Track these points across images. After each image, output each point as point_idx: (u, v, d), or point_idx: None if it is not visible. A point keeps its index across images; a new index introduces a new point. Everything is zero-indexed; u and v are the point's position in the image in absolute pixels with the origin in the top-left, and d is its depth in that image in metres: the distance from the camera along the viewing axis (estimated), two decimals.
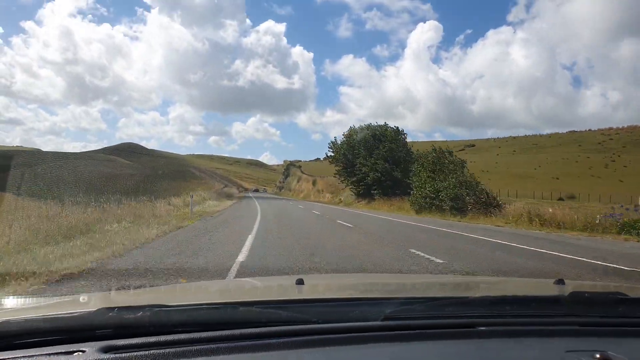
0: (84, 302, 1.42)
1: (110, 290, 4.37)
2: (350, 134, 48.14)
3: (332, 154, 50.23)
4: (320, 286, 2.10)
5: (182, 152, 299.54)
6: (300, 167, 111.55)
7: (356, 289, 2.06)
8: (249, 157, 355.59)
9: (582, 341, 1.18)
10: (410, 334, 1.15)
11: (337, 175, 50.49)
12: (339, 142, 49.65)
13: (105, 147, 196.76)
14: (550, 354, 1.13)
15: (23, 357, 0.98)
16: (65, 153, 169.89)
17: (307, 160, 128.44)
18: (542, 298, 1.51)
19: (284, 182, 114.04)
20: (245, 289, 2.13)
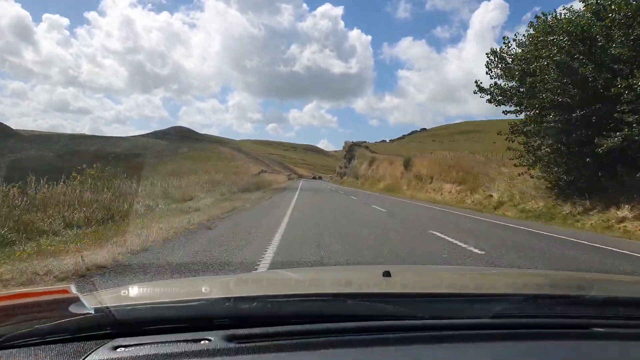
0: (206, 292, 1.36)
1: (227, 276, 4.11)
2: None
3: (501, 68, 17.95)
4: (410, 280, 1.94)
5: (239, 138, 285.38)
6: (367, 147, 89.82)
7: (454, 284, 1.88)
8: (306, 143, 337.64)
9: None
10: (521, 333, 1.11)
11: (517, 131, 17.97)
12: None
13: (156, 131, 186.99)
14: None
15: (152, 343, 1.01)
16: (109, 137, 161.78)
17: (372, 142, 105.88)
18: None
19: (346, 167, 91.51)
20: (341, 279, 1.97)
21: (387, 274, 1.58)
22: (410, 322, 1.11)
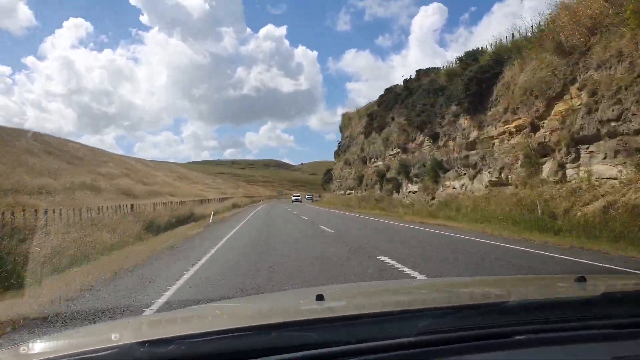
0: (116, 339, 1.26)
1: (138, 317, 3.99)
2: None
3: None
4: (343, 300, 1.96)
5: (185, 161, 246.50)
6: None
7: (382, 301, 1.98)
8: (266, 158, 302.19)
9: (626, 346, 1.17)
10: (446, 349, 1.12)
11: None
12: None
13: None
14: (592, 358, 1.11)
15: None
16: None
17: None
18: (573, 300, 1.47)
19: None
20: (267, 308, 1.96)
21: (320, 297, 1.57)
22: (336, 349, 1.10)
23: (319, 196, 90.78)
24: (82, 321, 4.88)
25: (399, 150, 32.93)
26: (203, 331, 1.25)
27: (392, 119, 38.08)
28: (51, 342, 1.42)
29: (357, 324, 1.24)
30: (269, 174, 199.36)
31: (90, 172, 30.91)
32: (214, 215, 28.10)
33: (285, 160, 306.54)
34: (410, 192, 29.31)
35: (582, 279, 1.69)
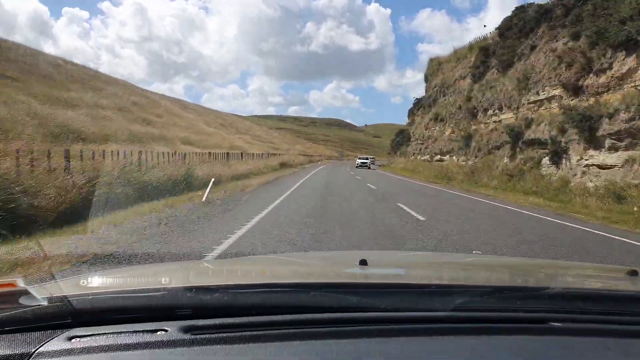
0: (166, 282, 1.33)
1: (188, 263, 4.00)
2: None
3: None
4: (385, 268, 2.01)
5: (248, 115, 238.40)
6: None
7: (423, 273, 1.94)
8: (328, 117, 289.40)
9: None
10: (479, 327, 1.11)
11: None
12: None
13: None
14: (633, 356, 1.08)
15: (107, 333, 1.01)
16: None
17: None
18: (620, 295, 1.42)
19: None
20: (313, 266, 2.04)
21: (364, 262, 1.59)
22: (372, 314, 1.11)
23: (388, 161, 73.69)
24: None
25: (559, 92, 19.04)
26: (247, 283, 1.35)
27: (532, 47, 23.84)
28: (108, 278, 1.51)
29: (395, 293, 1.26)
30: (331, 133, 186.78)
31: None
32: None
33: (348, 120, 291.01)
34: (593, 164, 15.62)
35: (634, 273, 1.58)
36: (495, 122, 25.41)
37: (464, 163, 27.98)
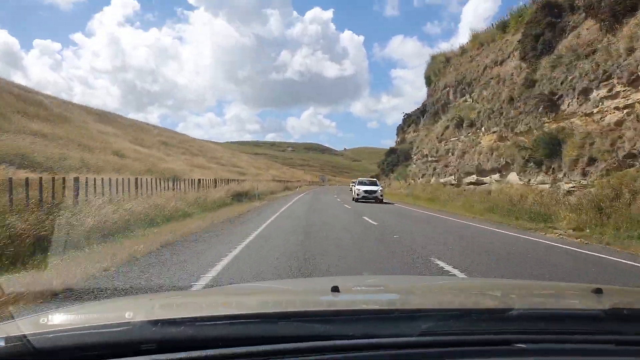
0: (129, 317, 1.30)
1: (151, 295, 3.59)
2: None
3: None
4: (356, 294, 1.98)
5: (222, 140, 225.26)
6: None
7: (391, 299, 1.95)
8: (307, 142, 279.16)
9: None
10: (446, 351, 1.13)
11: None
12: None
13: None
14: None
15: None
16: None
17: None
18: (580, 314, 1.46)
19: None
20: (283, 293, 2.04)
21: (335, 288, 1.57)
22: (341, 342, 1.11)
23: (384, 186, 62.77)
24: None
25: None
26: (212, 314, 1.31)
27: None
28: (70, 315, 1.48)
29: (363, 319, 1.27)
30: (310, 158, 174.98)
31: None
32: None
33: (327, 145, 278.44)
34: None
35: (599, 291, 1.62)
36: (619, 106, 13.73)
37: (553, 186, 15.97)
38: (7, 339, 1.01)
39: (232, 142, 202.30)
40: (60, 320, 1.34)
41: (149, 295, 3.95)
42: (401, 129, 66.01)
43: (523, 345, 1.15)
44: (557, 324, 1.29)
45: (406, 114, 63.47)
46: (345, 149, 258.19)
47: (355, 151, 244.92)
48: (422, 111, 47.17)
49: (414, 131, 51.60)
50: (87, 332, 1.11)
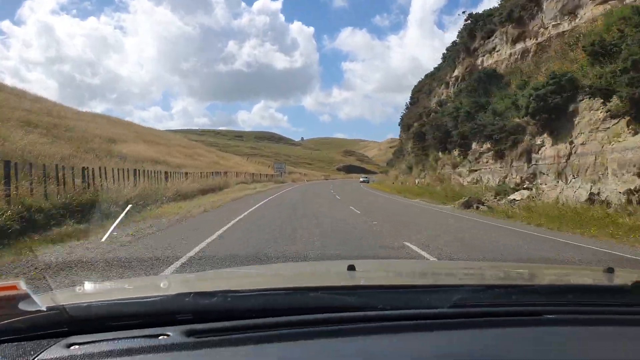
0: (164, 287, 1.38)
1: (186, 274, 4.03)
2: None
3: None
4: (374, 273, 2.02)
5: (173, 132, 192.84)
6: None
7: (414, 276, 2.01)
8: (259, 130, 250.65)
9: None
10: (478, 321, 1.15)
11: None
12: None
13: None
14: (621, 341, 1.14)
15: (107, 339, 0.99)
16: None
17: None
18: (605, 287, 1.51)
19: None
20: (305, 273, 2.06)
21: (351, 267, 1.60)
22: (371, 313, 1.11)
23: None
24: None
25: None
26: (245, 288, 1.31)
27: None
28: (105, 286, 1.49)
29: (393, 292, 1.27)
30: (261, 147, 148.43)
31: None
32: None
33: (282, 134, 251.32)
34: None
35: (610, 270, 1.67)
36: None
37: None
38: (49, 307, 1.01)
39: (173, 130, 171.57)
40: (94, 290, 1.36)
41: (179, 274, 4.16)
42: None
43: (553, 316, 1.18)
44: (583, 296, 1.32)
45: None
46: (302, 139, 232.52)
47: (316, 141, 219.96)
48: None
49: None
50: (124, 301, 1.12)
